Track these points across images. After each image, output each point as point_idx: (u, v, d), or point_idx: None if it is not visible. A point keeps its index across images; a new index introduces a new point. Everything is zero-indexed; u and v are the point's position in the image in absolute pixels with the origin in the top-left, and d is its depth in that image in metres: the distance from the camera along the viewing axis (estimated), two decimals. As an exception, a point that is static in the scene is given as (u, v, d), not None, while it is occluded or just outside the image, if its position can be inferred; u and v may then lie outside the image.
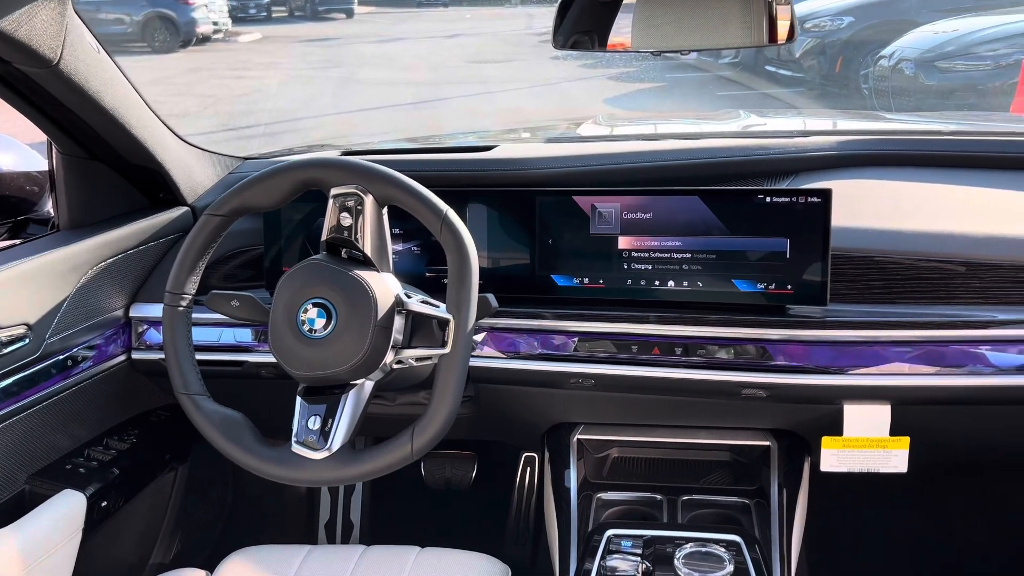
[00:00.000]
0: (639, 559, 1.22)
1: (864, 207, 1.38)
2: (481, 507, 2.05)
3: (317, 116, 8.08)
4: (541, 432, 1.57)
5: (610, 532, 1.29)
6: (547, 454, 1.55)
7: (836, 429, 1.35)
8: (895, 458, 1.36)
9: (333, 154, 1.60)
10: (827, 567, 1.40)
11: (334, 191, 1.18)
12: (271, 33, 14.91)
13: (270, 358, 1.43)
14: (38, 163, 1.61)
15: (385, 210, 1.19)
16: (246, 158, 1.75)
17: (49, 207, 1.56)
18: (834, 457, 1.37)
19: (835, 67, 8.22)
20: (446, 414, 1.12)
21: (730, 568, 1.18)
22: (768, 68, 8.98)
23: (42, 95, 1.29)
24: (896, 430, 1.33)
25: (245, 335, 1.46)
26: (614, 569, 1.21)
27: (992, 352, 1.26)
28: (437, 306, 1.18)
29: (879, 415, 1.32)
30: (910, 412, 1.32)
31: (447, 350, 1.13)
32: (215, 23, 13.35)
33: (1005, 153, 1.48)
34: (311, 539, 2.05)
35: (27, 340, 1.29)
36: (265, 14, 16.51)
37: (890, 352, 1.28)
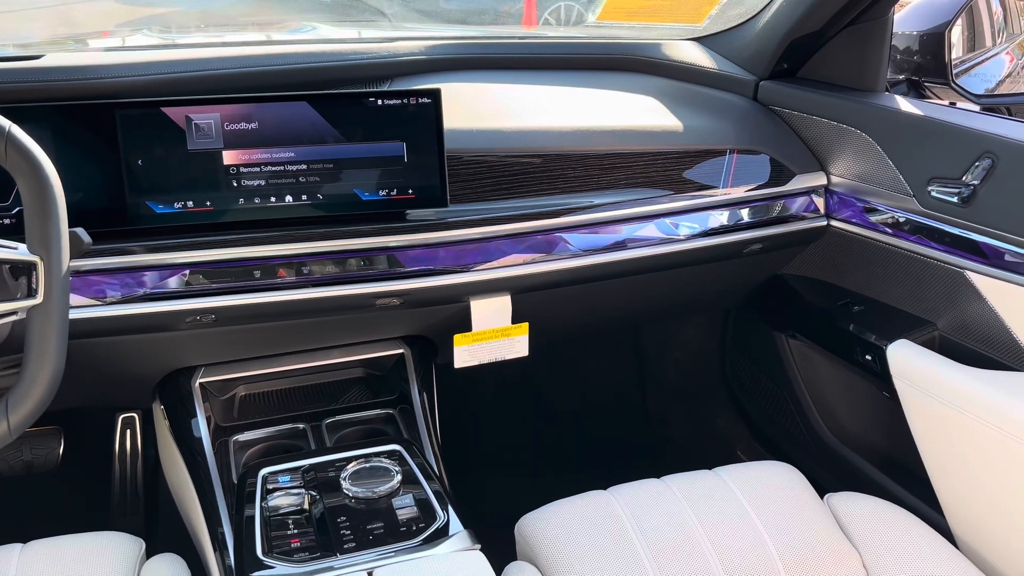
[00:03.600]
0: (303, 490, 1.15)
1: (466, 109, 1.42)
2: (76, 487, 1.77)
3: None
4: (152, 385, 1.38)
5: (264, 471, 1.19)
6: (162, 407, 1.37)
7: (464, 326, 1.40)
8: (518, 344, 1.45)
9: None
10: (455, 454, 1.47)
11: None
12: None
13: None
14: None
15: None
16: None
17: None
18: (466, 352, 1.42)
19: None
20: (50, 377, 0.92)
21: (399, 477, 1.17)
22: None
23: None
24: (516, 317, 1.42)
25: None
26: (278, 508, 1.12)
27: (590, 234, 1.39)
28: (14, 247, 0.94)
29: (502, 306, 1.40)
30: (527, 298, 1.41)
31: (39, 300, 0.92)
32: None
33: (581, 54, 1.62)
34: None
35: None
36: None
37: (506, 245, 1.35)
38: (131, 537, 1.17)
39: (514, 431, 2.13)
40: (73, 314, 1.17)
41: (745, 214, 1.50)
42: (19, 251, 0.93)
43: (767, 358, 1.80)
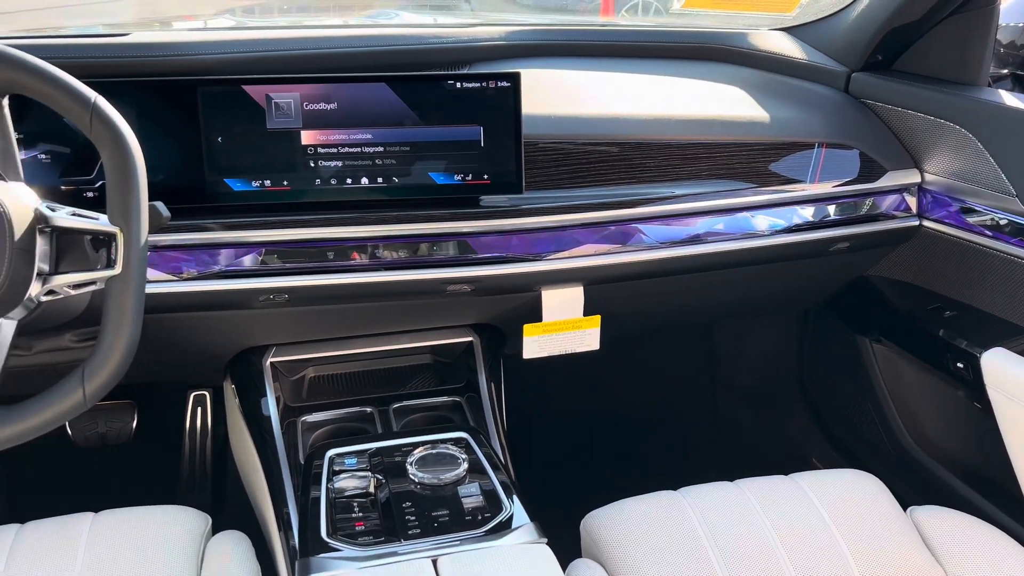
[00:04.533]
0: (369, 474, 1.14)
1: (545, 95, 1.39)
2: (148, 460, 1.80)
3: None
4: (224, 362, 1.39)
5: (331, 453, 1.18)
6: (233, 386, 1.38)
7: (535, 316, 1.37)
8: (589, 336, 1.42)
9: None
10: (525, 447, 1.45)
11: None
12: None
13: None
14: None
15: (6, 101, 0.93)
16: None
17: None
18: (535, 343, 1.39)
19: (438, -14, 8.44)
20: (125, 347, 0.93)
21: (465, 465, 1.15)
22: (375, -16, 8.94)
23: None
24: (588, 309, 1.38)
25: None
26: (343, 490, 1.11)
27: (667, 226, 1.35)
28: (96, 218, 0.95)
29: (574, 297, 1.36)
30: (600, 290, 1.37)
31: (117, 270, 0.93)
32: None
33: (660, 43, 1.58)
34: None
35: None
36: None
37: (581, 234, 1.32)
38: (198, 512, 1.17)
39: (581, 425, 2.09)
40: (150, 289, 1.18)
41: (832, 211, 1.44)
42: (100, 222, 0.94)
43: (848, 362, 1.73)
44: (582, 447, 2.07)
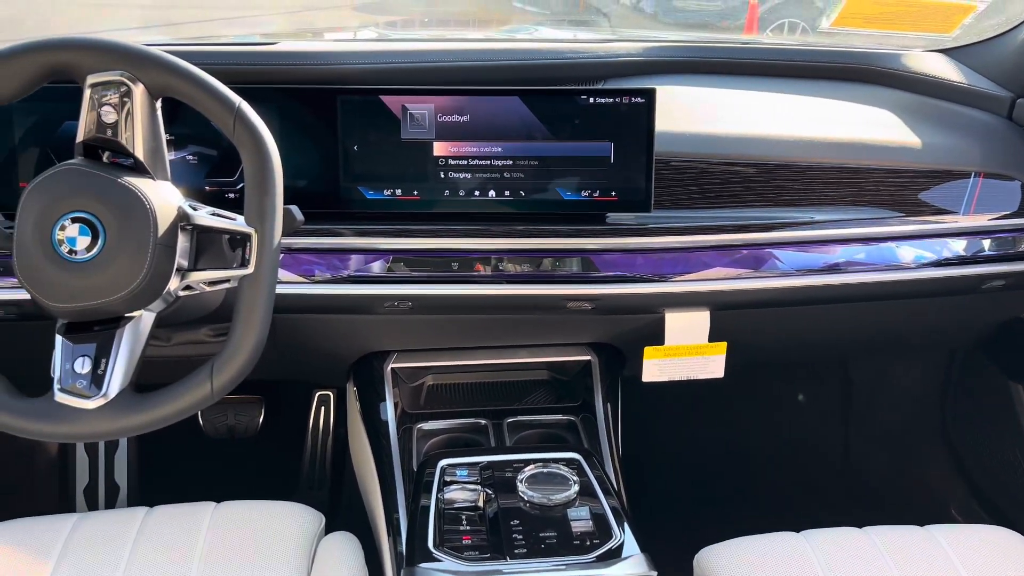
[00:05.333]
0: (479, 487, 1.13)
1: (680, 112, 1.35)
2: (271, 455, 1.87)
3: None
4: (348, 365, 1.42)
5: (443, 462, 1.18)
6: (355, 388, 1.41)
7: (656, 338, 1.33)
8: (713, 364, 1.36)
9: None
10: (639, 473, 1.41)
11: (91, 79, 0.94)
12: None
13: (9, 294, 1.17)
14: None
15: (159, 103, 0.98)
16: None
17: None
18: (656, 367, 1.35)
19: (579, 5, 8.47)
20: (253, 344, 0.95)
21: (576, 487, 1.12)
22: (516, 4, 9.06)
23: None
24: (713, 335, 1.33)
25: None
26: (453, 501, 1.11)
27: (803, 253, 1.28)
28: (233, 219, 0.99)
29: (699, 321, 1.32)
30: (727, 316, 1.32)
31: (250, 270, 0.96)
32: None
33: (805, 62, 1.52)
34: (68, 509, 1.76)
35: None
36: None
37: (710, 257, 1.27)
38: (314, 511, 1.20)
39: (699, 455, 2.02)
40: (281, 289, 1.22)
41: (987, 245, 1.33)
42: (237, 222, 0.98)
43: (998, 409, 1.60)
44: (699, 478, 2.00)
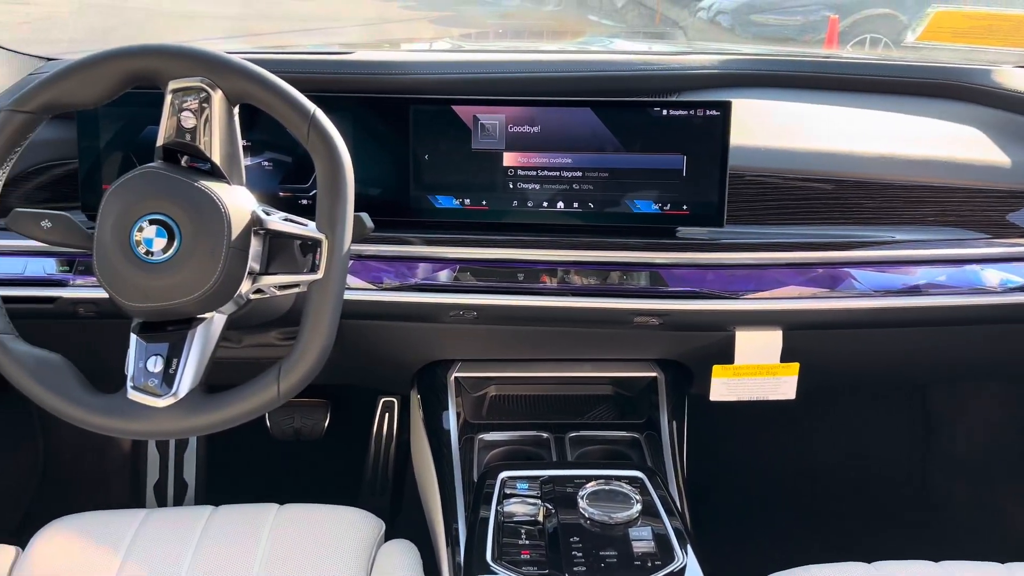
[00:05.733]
0: (539, 502, 1.12)
1: (756, 126, 1.33)
2: (334, 459, 1.89)
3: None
4: (412, 372, 1.43)
5: (504, 474, 1.17)
6: (419, 396, 1.41)
7: (726, 357, 1.30)
8: (784, 385, 1.33)
9: None
10: (703, 494, 1.37)
11: (173, 85, 0.97)
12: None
13: (88, 293, 1.21)
14: None
15: (236, 110, 1.00)
16: (49, 58, 1.46)
17: None
18: (724, 386, 1.32)
19: (654, 19, 8.43)
20: (320, 349, 0.96)
21: (639, 506, 1.10)
22: (591, 17, 9.06)
23: None
24: (786, 356, 1.30)
25: (56, 266, 1.21)
26: (512, 515, 1.10)
27: (881, 273, 1.24)
28: (304, 224, 1.01)
29: (771, 341, 1.28)
30: (801, 337, 1.28)
31: (319, 275, 0.97)
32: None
33: (888, 77, 1.47)
34: (138, 504, 1.81)
35: None
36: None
37: (784, 275, 1.24)
38: (374, 517, 1.20)
39: (767, 478, 1.97)
40: (350, 296, 1.23)
41: (1081, 270, 1.26)
42: (308, 228, 0.99)
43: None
44: (766, 502, 1.95)
